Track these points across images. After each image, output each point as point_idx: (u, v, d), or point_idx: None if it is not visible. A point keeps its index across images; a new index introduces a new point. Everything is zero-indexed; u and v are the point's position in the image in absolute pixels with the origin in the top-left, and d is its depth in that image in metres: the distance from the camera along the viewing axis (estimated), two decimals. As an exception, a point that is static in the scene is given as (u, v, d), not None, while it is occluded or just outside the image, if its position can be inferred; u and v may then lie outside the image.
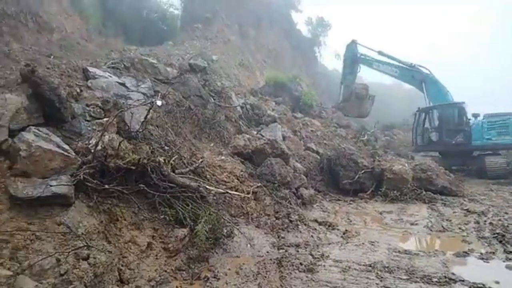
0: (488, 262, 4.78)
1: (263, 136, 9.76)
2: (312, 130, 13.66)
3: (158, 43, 18.74)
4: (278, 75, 19.29)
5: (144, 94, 7.78)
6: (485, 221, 6.72)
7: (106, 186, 4.43)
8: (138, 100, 6.60)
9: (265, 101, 15.03)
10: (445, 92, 14.81)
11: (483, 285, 4.03)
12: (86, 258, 3.51)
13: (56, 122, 4.95)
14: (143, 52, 14.97)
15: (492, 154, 13.36)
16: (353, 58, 16.67)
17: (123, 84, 7.51)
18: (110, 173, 4.62)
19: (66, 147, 4.38)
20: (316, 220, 6.69)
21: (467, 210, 7.63)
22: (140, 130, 5.82)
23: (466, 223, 6.67)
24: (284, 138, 10.81)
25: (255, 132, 10.35)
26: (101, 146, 4.71)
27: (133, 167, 4.80)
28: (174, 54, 15.76)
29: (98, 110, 5.90)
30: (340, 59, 19.77)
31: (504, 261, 4.77)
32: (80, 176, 4.11)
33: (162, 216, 4.79)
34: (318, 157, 10.67)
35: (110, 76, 7.43)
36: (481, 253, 5.07)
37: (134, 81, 8.13)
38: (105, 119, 5.70)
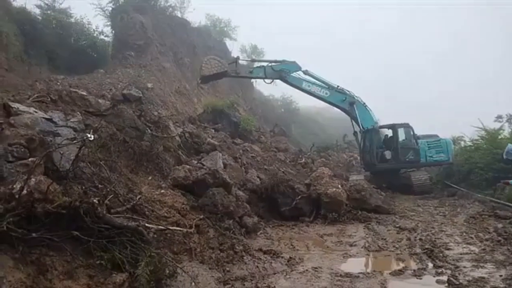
0: (421, 279, 5.14)
1: (204, 165, 9.66)
2: (252, 156, 13.82)
3: (88, 71, 18.03)
4: (216, 101, 19.48)
5: (73, 129, 7.34)
6: (415, 237, 7.25)
7: (34, 235, 4.04)
8: (67, 138, 6.21)
9: (204, 129, 14.99)
10: (372, 113, 15.93)
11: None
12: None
13: (-27, 166, 4.48)
14: (71, 81, 14.30)
15: (417, 171, 14.56)
16: (281, 74, 15.51)
17: (50, 119, 7.01)
18: (37, 219, 4.24)
19: (-15, 194, 3.95)
20: (260, 249, 6.68)
21: (399, 227, 8.20)
22: (71, 169, 5.45)
23: (399, 240, 7.14)
24: (225, 166, 10.78)
25: (195, 162, 10.20)
26: (26, 190, 4.31)
27: (64, 211, 4.46)
28: (106, 83, 15.24)
29: (23, 149, 5.42)
30: (276, 85, 20.19)
31: (434, 276, 5.17)
32: (3, 226, 3.72)
33: (98, 262, 4.47)
34: (260, 183, 10.78)
35: (36, 111, 6.91)
36: (414, 270, 5.44)
37: (62, 115, 7.63)
38: (30, 159, 5.27)
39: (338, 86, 16.01)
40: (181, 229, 6.00)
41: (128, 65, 20.20)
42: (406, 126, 15.52)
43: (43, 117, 6.92)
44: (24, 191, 4.26)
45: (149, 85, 17.34)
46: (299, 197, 9.69)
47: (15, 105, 6.70)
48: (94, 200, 4.85)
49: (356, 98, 15.92)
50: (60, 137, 6.32)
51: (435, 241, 6.87)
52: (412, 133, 15.38)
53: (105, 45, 22.79)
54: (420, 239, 7.07)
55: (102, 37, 23.00)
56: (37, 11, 19.83)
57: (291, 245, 7.25)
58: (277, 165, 13.71)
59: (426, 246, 6.51)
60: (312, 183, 10.04)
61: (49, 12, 20.03)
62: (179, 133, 11.82)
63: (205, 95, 25.24)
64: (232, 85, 30.23)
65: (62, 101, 8.40)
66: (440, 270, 5.34)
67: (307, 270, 5.62)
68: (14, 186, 4.40)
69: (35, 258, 4.00)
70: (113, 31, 23.61)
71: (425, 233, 7.57)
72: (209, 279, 5.25)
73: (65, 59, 18.49)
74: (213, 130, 15.98)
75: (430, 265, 5.63)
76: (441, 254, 6.05)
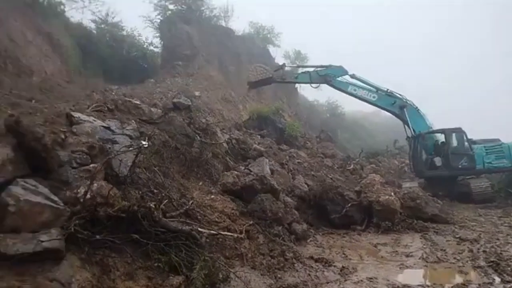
0: (487, 294, 4.77)
1: (251, 171, 9.72)
2: (299, 162, 13.72)
3: (139, 81, 18.88)
4: (261, 108, 19.62)
5: (129, 136, 7.68)
6: (478, 249, 6.74)
7: (98, 237, 4.26)
8: (125, 145, 6.52)
9: (250, 135, 15.13)
10: (425, 118, 15.26)
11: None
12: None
13: (42, 171, 4.80)
14: (125, 90, 15.03)
15: (477, 178, 13.65)
16: (327, 79, 15.65)
17: (108, 128, 7.40)
18: (100, 222, 4.47)
19: (55, 198, 4.22)
20: (311, 257, 6.55)
21: (460, 238, 7.68)
22: (129, 175, 5.70)
23: (460, 252, 6.68)
24: (272, 172, 10.78)
25: (242, 168, 10.30)
26: (90, 194, 4.56)
27: (123, 215, 4.67)
28: (157, 92, 15.85)
29: (85, 156, 5.75)
30: (321, 90, 20.01)
31: (502, 292, 4.76)
32: (71, 228, 3.96)
33: (156, 264, 4.62)
34: (308, 189, 10.65)
35: (95, 120, 7.32)
36: (479, 284, 5.06)
37: (118, 123, 8.03)
38: (92, 165, 5.57)
39: (388, 90, 15.62)
40: (232, 234, 6.06)
41: (176, 74, 20.94)
42: (458, 131, 14.58)
43: (102, 126, 7.32)
44: (88, 196, 4.51)
45: (197, 93, 17.83)
46: (349, 204, 9.36)
47: (77, 115, 7.13)
48: (151, 205, 5.03)
49: (407, 102, 15.36)
50: (118, 144, 6.63)
51: (501, 253, 6.35)
52: (465, 138, 14.42)
53: (154, 55, 23.83)
54: (484, 251, 6.58)
55: (151, 48, 24.14)
56: (92, 25, 21.24)
57: (343, 253, 7.04)
58: (325, 172, 13.50)
59: (491, 259, 6.03)
60: (362, 190, 9.71)
61: (103, 26, 21.33)
62: (226, 139, 12.02)
63: (250, 102, 25.51)
64: (277, 91, 30.29)
65: (118, 110, 8.83)
66: (509, 286, 4.94)
67: (361, 280, 5.43)
68: (79, 190, 4.69)
69: (99, 259, 4.21)
70: (162, 42, 24.63)
71: (489, 244, 7.05)
72: (261, 285, 5.23)
73: (118, 70, 19.54)
74: (259, 136, 16.08)
75: (497, 279, 5.22)
76: (509, 268, 5.58)
